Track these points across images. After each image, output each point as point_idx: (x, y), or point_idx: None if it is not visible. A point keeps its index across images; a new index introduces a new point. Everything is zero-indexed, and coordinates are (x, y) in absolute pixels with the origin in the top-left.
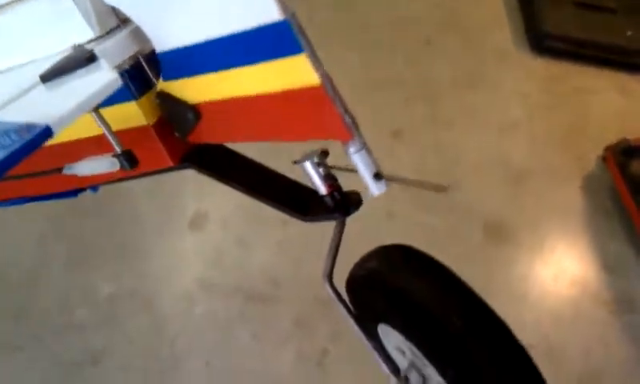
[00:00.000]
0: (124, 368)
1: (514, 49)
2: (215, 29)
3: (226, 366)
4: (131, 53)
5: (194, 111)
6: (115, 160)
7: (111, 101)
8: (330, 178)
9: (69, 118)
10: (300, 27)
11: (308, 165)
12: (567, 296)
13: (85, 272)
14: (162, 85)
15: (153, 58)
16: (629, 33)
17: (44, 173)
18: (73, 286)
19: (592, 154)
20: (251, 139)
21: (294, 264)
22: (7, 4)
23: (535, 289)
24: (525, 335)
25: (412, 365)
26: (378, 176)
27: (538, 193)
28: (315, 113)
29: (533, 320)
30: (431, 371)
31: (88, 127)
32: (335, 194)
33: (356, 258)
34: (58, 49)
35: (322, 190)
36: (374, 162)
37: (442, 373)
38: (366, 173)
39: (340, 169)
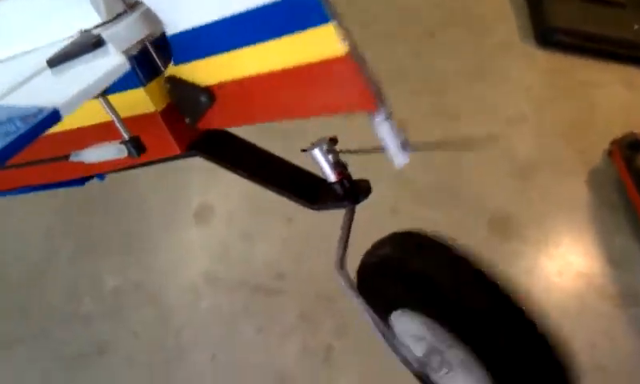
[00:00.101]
0: (129, 360)
1: (519, 42)
2: (232, 5)
3: (230, 359)
4: (139, 38)
5: (208, 93)
6: (122, 147)
7: (118, 87)
8: (339, 166)
9: (77, 102)
10: None
11: (317, 152)
12: (572, 290)
13: (91, 265)
14: (172, 70)
15: (160, 43)
16: (636, 26)
17: (51, 160)
18: (79, 278)
19: (598, 148)
20: (270, 119)
21: (298, 258)
22: None
23: (540, 283)
24: None
25: (432, 349)
26: (404, 145)
27: (544, 186)
28: (342, 84)
29: (538, 314)
30: (454, 352)
31: (95, 114)
32: (344, 181)
33: (360, 254)
34: (64, 35)
35: (332, 177)
36: (400, 131)
37: (472, 343)
38: (392, 143)
39: (349, 152)
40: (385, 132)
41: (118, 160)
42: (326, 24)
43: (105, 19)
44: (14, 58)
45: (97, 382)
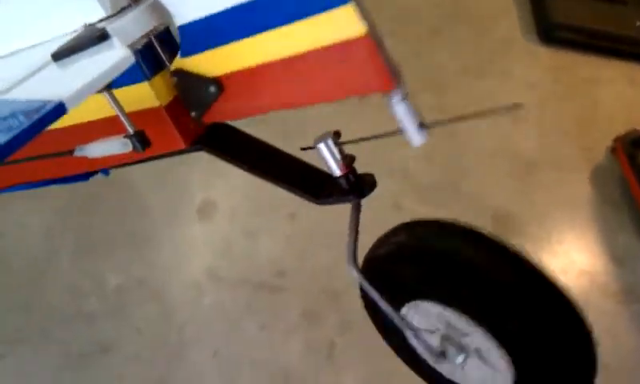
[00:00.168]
0: (133, 357)
1: (522, 39)
2: None
3: (233, 355)
4: (143, 32)
5: (217, 84)
6: (127, 141)
7: (123, 82)
8: (346, 159)
9: (82, 95)
10: None
11: (322, 147)
12: (575, 287)
13: (93, 262)
14: (178, 62)
15: (165, 38)
16: (638, 23)
17: (56, 155)
18: (81, 276)
19: (601, 145)
20: (282, 107)
21: (301, 255)
22: None
23: None
24: None
25: (446, 338)
26: (422, 125)
27: (546, 184)
28: (361, 65)
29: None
30: (471, 338)
31: (99, 109)
32: (350, 175)
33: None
34: (69, 29)
35: (337, 171)
36: (417, 111)
37: (495, 330)
38: (409, 122)
39: (362, 140)
40: (402, 112)
41: (123, 155)
42: (345, 4)
43: (109, 13)
44: (18, 52)
45: (101, 380)
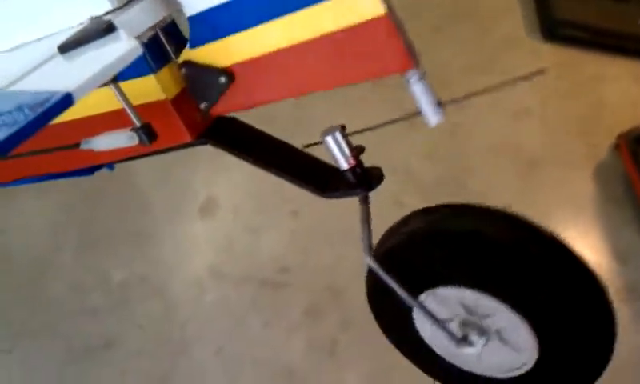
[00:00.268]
0: (135, 353)
1: (525, 36)
2: None
3: (236, 353)
4: (150, 24)
5: (227, 74)
6: (133, 134)
7: (129, 75)
8: (354, 150)
9: (90, 85)
10: None
11: (330, 140)
12: None
13: (96, 258)
14: (187, 54)
15: (171, 30)
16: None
17: (62, 148)
18: (84, 272)
19: (605, 142)
20: (297, 93)
21: (304, 252)
22: None
23: None
24: None
25: (466, 324)
26: (439, 103)
27: (550, 181)
28: (380, 46)
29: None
30: (492, 319)
31: (105, 102)
32: (357, 169)
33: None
34: (75, 22)
35: (344, 165)
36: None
37: (520, 304)
38: (426, 102)
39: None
40: (420, 91)
41: (128, 148)
42: None
43: (116, 5)
44: (25, 45)
45: (104, 375)
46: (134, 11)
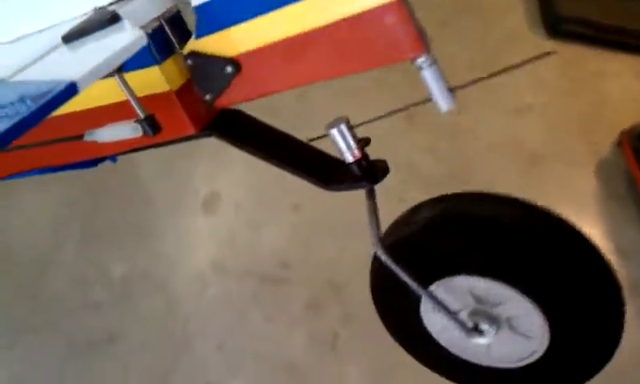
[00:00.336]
0: (138, 348)
1: (528, 32)
2: None
3: (238, 347)
4: (155, 15)
5: (234, 63)
6: (137, 126)
7: (133, 66)
8: (360, 142)
9: (94, 75)
10: None
11: (335, 132)
12: None
13: (98, 252)
14: (193, 44)
15: (176, 21)
16: None
17: (65, 139)
18: (86, 266)
19: (607, 139)
20: (305, 82)
21: (305, 247)
22: None
23: None
24: None
25: (476, 313)
26: (450, 89)
27: (552, 178)
28: (391, 31)
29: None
30: (503, 307)
31: (109, 94)
32: (362, 162)
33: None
34: (79, 12)
35: (349, 157)
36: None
37: (532, 290)
38: (437, 88)
39: (361, 124)
40: (431, 77)
41: (132, 140)
42: None
43: None
44: (28, 36)
45: (107, 370)
46: (138, 1)
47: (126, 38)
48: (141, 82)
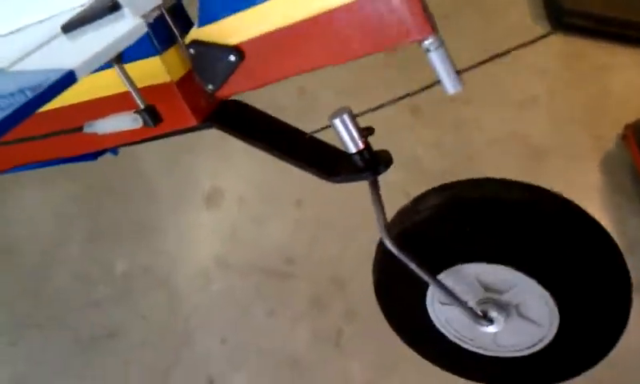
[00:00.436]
0: (140, 344)
1: (532, 25)
2: None
3: (241, 343)
4: (155, 3)
5: (237, 51)
6: (137, 116)
7: (134, 56)
8: (364, 131)
9: (93, 63)
10: None
11: (338, 122)
12: None
13: (102, 249)
14: (195, 33)
15: (177, 11)
16: None
17: (65, 131)
18: (90, 263)
19: (611, 133)
20: (310, 68)
21: (309, 242)
22: None
23: None
24: None
25: (485, 302)
26: (457, 71)
27: (556, 171)
28: (399, 13)
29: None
30: (511, 294)
31: (109, 85)
32: (365, 152)
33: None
34: (78, 3)
35: (352, 148)
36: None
37: (542, 276)
38: (444, 70)
39: (365, 112)
40: (438, 59)
41: (132, 132)
42: None
43: None
44: (28, 27)
45: (109, 365)
46: None
47: (126, 26)
48: (141, 73)
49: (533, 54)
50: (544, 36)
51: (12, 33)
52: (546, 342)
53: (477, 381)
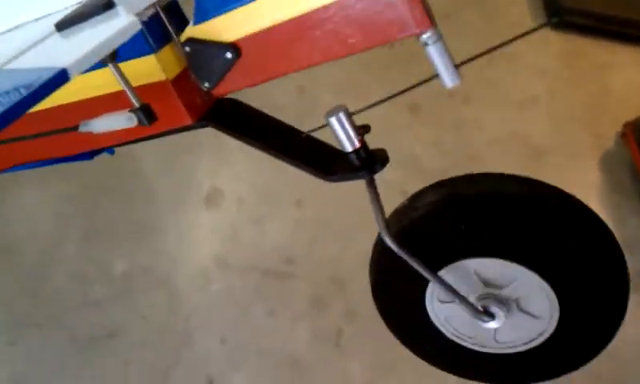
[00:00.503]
0: (139, 343)
1: (532, 23)
2: None
3: (241, 343)
4: (150, 1)
5: (233, 49)
6: (132, 115)
7: (128, 55)
8: (360, 129)
9: (86, 61)
10: None
11: (334, 121)
12: None
13: (101, 249)
14: (190, 31)
15: (172, 9)
16: None
17: (60, 131)
18: (88, 263)
19: (611, 131)
20: (309, 64)
21: (309, 242)
22: None
23: None
24: None
25: (484, 298)
26: (457, 66)
27: (556, 170)
28: (398, 6)
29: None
30: (510, 288)
31: (104, 84)
32: (361, 151)
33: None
34: (72, 1)
35: (348, 147)
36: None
37: (542, 268)
38: (443, 64)
39: (361, 110)
40: (437, 53)
41: (128, 131)
42: None
43: None
44: (22, 25)
45: (108, 365)
46: None
47: (120, 24)
48: (136, 72)
49: (533, 54)
50: (544, 25)
51: (7, 31)
52: (546, 336)
53: (475, 379)
